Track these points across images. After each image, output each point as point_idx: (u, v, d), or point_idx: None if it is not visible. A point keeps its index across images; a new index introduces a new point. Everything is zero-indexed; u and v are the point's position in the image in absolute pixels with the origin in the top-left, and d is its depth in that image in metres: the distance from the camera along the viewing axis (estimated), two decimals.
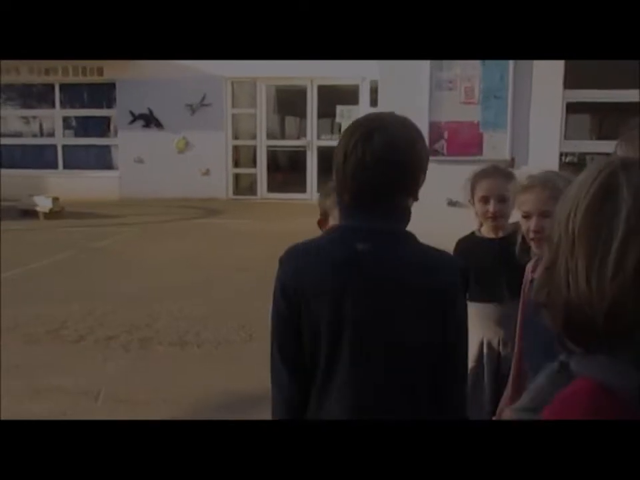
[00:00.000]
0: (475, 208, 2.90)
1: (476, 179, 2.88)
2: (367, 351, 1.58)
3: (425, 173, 1.64)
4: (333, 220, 2.06)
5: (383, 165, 1.53)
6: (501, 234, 2.88)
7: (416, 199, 1.65)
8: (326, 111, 14.03)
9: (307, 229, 2.45)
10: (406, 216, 1.64)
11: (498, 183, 2.84)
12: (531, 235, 2.21)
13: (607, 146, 9.56)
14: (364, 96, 13.35)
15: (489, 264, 2.74)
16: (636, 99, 8.29)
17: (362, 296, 1.56)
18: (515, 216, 2.48)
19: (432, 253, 1.62)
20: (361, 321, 1.57)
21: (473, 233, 2.98)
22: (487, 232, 2.93)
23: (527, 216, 2.23)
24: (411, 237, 1.62)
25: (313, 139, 14.05)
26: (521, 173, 2.29)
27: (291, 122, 15.33)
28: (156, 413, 3.94)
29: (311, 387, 1.64)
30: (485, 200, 2.82)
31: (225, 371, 4.63)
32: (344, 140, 1.59)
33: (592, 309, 0.87)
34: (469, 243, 2.90)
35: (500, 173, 2.90)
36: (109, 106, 14.98)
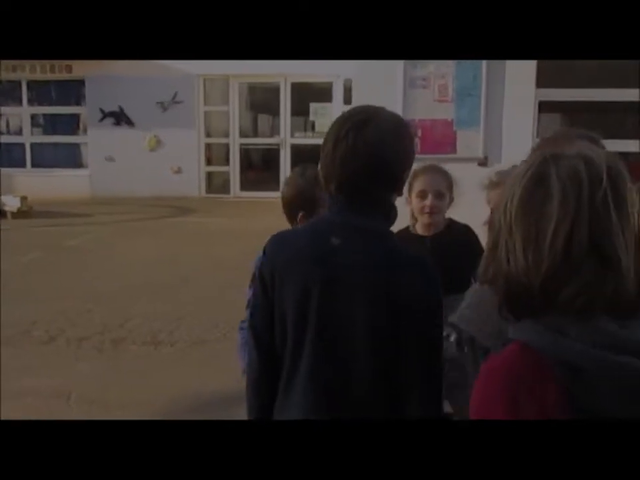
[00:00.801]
0: (411, 204, 2.92)
1: (414, 174, 2.90)
2: (328, 344, 1.60)
3: (409, 170, 1.65)
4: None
5: (373, 154, 1.53)
6: (433, 231, 2.92)
7: (400, 194, 1.65)
8: (299, 109, 13.99)
9: (280, 227, 2.41)
10: (390, 212, 1.63)
11: (436, 179, 2.89)
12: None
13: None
14: (337, 94, 13.35)
15: None
16: (607, 98, 8.41)
17: (327, 289, 1.58)
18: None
19: (405, 253, 1.62)
20: (324, 314, 1.59)
21: (407, 229, 3.00)
22: (420, 229, 2.96)
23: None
24: (388, 235, 1.63)
25: (287, 136, 14.00)
26: (491, 171, 2.30)
27: (263, 120, 15.27)
28: (129, 413, 3.88)
29: (281, 372, 1.67)
30: (423, 195, 2.86)
31: (199, 371, 4.58)
32: (335, 127, 1.59)
33: (529, 281, 1.01)
34: (402, 239, 2.93)
35: (438, 170, 2.95)
36: (78, 103, 14.75)
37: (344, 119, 1.59)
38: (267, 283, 1.65)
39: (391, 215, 1.63)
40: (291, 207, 2.39)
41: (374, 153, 1.53)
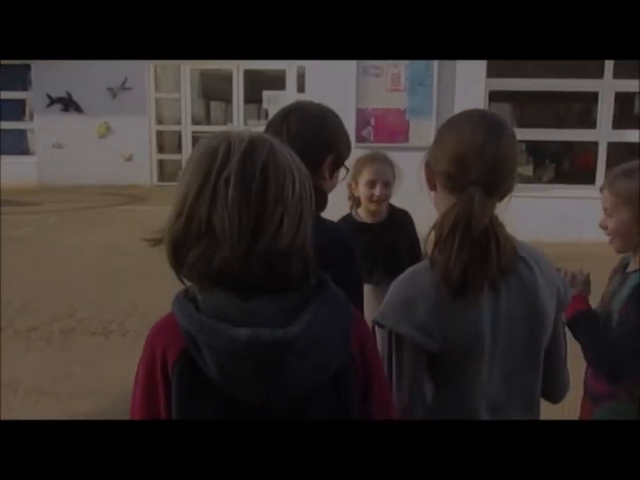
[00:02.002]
0: (357, 191, 3.00)
1: (362, 163, 2.98)
2: None
3: (336, 154, 1.71)
4: None
5: (296, 140, 1.53)
6: (379, 218, 3.03)
7: (325, 179, 1.70)
8: (252, 97, 13.90)
9: None
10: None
11: (384, 168, 2.99)
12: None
13: (528, 134, 9.87)
14: (291, 82, 13.30)
15: (367, 247, 2.81)
16: (556, 88, 8.59)
17: None
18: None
19: (326, 227, 1.65)
20: None
21: (349, 215, 3.06)
22: (365, 216, 3.04)
23: None
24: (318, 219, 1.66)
25: (240, 124, 13.89)
26: None
27: (216, 107, 15.12)
28: (81, 404, 3.83)
29: None
30: (372, 184, 2.95)
31: None
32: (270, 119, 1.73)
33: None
34: (346, 226, 2.98)
35: (385, 159, 3.04)
36: (24, 88, 14.36)
37: (276, 112, 1.73)
38: None
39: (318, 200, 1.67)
40: None
41: (295, 139, 1.54)
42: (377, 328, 1.41)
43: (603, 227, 1.98)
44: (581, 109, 11.29)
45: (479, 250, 1.33)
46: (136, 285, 6.41)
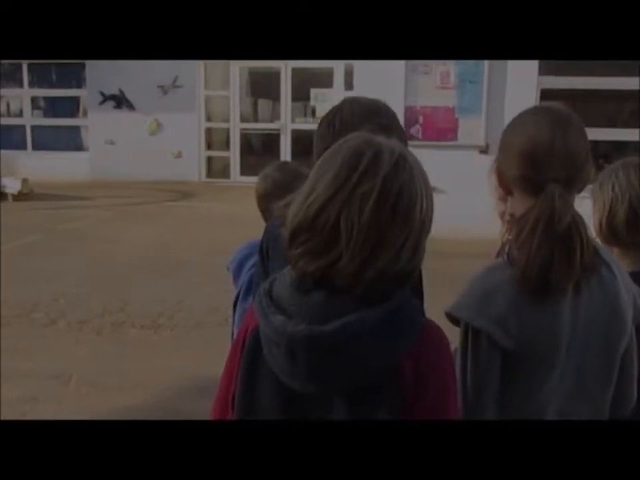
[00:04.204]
0: None
1: None
2: None
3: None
4: None
5: (349, 128, 1.54)
6: None
7: None
8: (300, 94, 13.93)
9: None
10: None
11: None
12: (507, 218, 2.24)
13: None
14: (338, 79, 13.28)
15: None
16: (610, 86, 8.38)
17: None
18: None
19: None
20: None
21: None
22: None
23: (502, 198, 2.25)
24: None
25: (287, 122, 13.95)
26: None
27: (263, 105, 15.20)
28: (129, 397, 3.91)
29: None
30: None
31: (199, 355, 4.59)
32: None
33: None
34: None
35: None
36: (79, 86, 14.69)
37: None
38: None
39: None
40: (268, 202, 2.33)
41: (349, 125, 1.57)
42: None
43: None
44: (634, 108, 10.99)
45: (563, 248, 1.30)
46: (184, 279, 6.51)
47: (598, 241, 1.43)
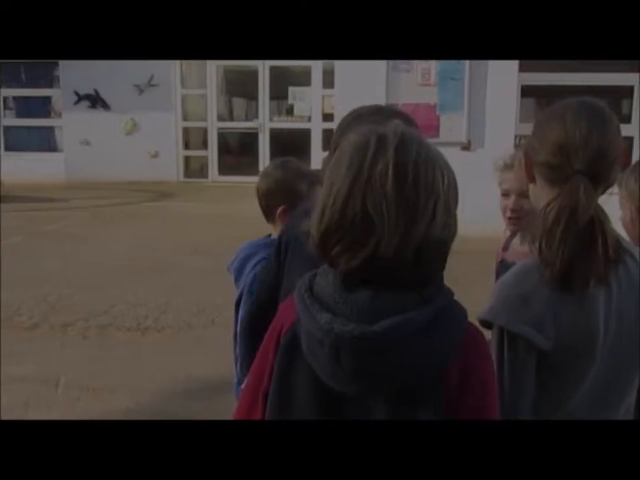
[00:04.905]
0: None
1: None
2: None
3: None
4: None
5: None
6: None
7: None
8: (277, 93, 13.89)
9: (259, 212, 2.39)
10: None
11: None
12: (509, 214, 2.23)
13: None
14: (316, 77, 13.26)
15: None
16: (590, 82, 8.47)
17: None
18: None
19: None
20: None
21: None
22: None
23: (506, 194, 2.24)
24: None
25: (265, 120, 13.90)
26: (506, 152, 2.29)
27: (239, 103, 15.13)
28: (120, 399, 3.85)
29: None
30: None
31: (188, 357, 4.55)
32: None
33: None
34: None
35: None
36: (50, 85, 14.48)
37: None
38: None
39: None
40: (269, 200, 2.33)
41: None
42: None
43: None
44: (614, 103, 11.15)
45: (585, 241, 1.30)
46: (166, 280, 6.44)
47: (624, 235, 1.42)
